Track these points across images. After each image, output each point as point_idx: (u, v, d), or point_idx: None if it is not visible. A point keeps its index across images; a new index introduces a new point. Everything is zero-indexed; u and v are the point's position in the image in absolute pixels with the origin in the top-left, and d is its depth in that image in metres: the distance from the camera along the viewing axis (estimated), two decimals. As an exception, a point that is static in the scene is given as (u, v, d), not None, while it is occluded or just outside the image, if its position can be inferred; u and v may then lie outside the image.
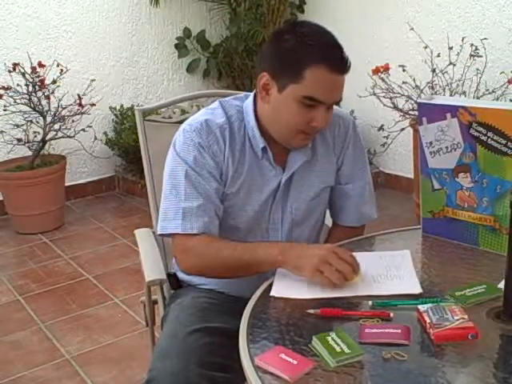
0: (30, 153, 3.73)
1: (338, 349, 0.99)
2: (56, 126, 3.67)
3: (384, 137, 3.53)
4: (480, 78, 3.14)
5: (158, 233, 1.43)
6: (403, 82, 3.23)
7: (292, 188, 1.47)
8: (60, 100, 3.66)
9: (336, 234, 1.58)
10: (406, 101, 3.23)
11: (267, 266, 1.30)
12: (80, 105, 3.71)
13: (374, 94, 3.26)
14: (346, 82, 1.34)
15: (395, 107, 3.26)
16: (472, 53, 3.14)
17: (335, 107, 1.53)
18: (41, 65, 3.56)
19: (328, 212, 1.63)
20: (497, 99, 3.12)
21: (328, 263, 1.20)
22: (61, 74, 3.65)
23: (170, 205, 1.38)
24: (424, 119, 1.38)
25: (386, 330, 1.05)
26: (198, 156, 1.38)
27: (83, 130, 3.84)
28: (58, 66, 3.64)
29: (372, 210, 1.60)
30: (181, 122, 1.75)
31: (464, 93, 3.17)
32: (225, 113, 1.43)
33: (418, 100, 1.57)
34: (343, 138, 1.51)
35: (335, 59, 1.29)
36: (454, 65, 3.16)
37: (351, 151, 1.52)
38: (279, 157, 1.44)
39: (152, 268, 1.56)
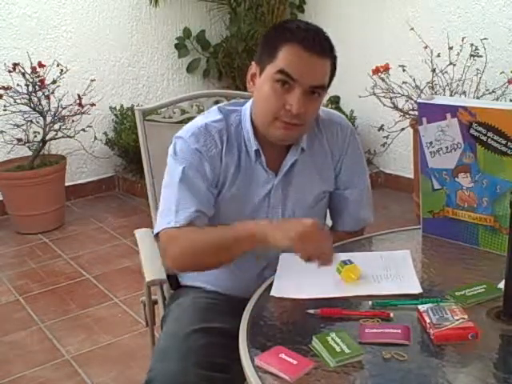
0: (30, 153, 3.73)
1: (337, 349, 0.99)
2: (56, 126, 3.67)
3: (384, 137, 3.53)
4: (480, 77, 3.14)
5: (154, 232, 1.42)
6: (403, 82, 3.23)
7: (287, 192, 1.46)
8: (60, 100, 3.66)
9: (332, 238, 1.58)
10: (406, 101, 3.23)
11: (247, 243, 1.28)
12: (80, 105, 3.70)
13: (374, 94, 3.25)
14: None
15: (395, 107, 3.26)
16: (472, 53, 3.14)
17: (334, 113, 1.53)
18: (41, 65, 3.55)
19: (328, 212, 1.62)
20: (497, 99, 3.12)
21: (311, 238, 1.20)
22: (61, 74, 3.64)
23: (165, 207, 1.39)
24: (424, 119, 1.38)
25: (386, 330, 1.06)
26: (193, 161, 1.38)
27: (83, 130, 3.83)
28: (58, 66, 3.64)
29: (369, 213, 1.60)
30: (181, 122, 1.76)
31: (464, 93, 3.17)
32: (223, 117, 1.44)
33: (418, 100, 1.56)
34: (341, 145, 1.50)
35: (308, 39, 1.31)
36: (454, 65, 3.16)
37: (350, 157, 1.52)
38: (274, 161, 1.44)
39: (152, 268, 1.56)
